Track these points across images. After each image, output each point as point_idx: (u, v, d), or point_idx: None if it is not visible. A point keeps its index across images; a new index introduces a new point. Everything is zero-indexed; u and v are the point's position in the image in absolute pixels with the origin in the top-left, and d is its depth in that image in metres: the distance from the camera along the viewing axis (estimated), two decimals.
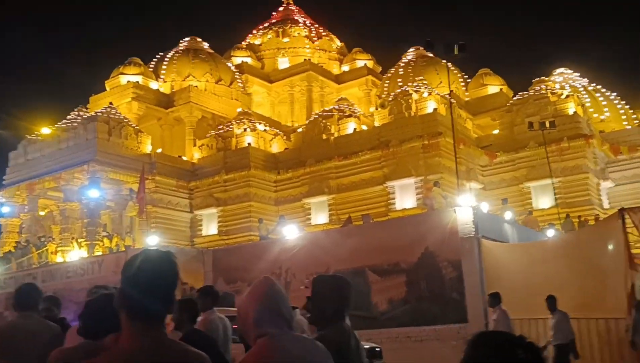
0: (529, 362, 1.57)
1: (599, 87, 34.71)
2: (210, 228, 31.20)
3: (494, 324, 9.23)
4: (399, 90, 30.46)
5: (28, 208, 30.33)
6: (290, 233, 15.24)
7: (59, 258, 27.48)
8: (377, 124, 30.10)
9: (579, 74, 35.89)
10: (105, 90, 36.38)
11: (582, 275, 10.20)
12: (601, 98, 33.95)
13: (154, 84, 35.80)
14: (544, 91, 30.10)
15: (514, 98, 31.54)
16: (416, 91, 29.23)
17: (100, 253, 23.63)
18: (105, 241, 28.22)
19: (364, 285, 13.23)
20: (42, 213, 31.94)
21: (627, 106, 34.13)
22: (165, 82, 36.47)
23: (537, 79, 32.07)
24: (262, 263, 14.79)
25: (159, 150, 31.61)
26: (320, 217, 29.64)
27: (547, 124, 23.14)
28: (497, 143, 30.22)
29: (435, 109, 28.01)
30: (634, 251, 9.90)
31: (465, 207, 12.10)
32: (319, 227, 28.99)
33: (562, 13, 79.19)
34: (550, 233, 17.72)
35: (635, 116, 33.47)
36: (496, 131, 31.06)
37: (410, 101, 28.77)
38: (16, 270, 22.01)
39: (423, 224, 12.97)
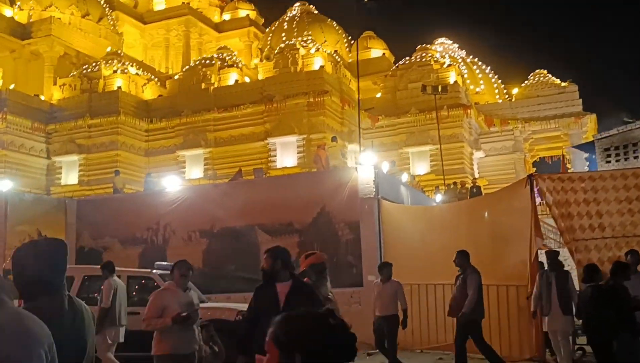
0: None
1: (475, 59, 35.81)
2: (70, 176, 28.32)
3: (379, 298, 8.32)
4: (285, 44, 29.16)
5: None
6: (172, 184, 13.70)
7: None
8: (260, 77, 28.76)
9: (457, 45, 36.80)
10: None
11: (483, 241, 9.89)
12: (477, 71, 35.07)
13: (7, 11, 31.47)
14: (427, 59, 30.34)
15: (399, 64, 31.50)
16: (303, 47, 28.19)
17: None
18: None
19: (253, 245, 12.17)
20: None
21: (500, 81, 35.60)
22: (21, 10, 32.21)
23: (421, 46, 32.28)
24: (137, 217, 13.19)
25: (12, 86, 27.90)
26: (195, 171, 27.96)
27: (439, 89, 23.19)
28: (379, 107, 30.13)
29: (322, 67, 27.19)
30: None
31: (367, 166, 11.36)
32: (194, 182, 27.36)
33: None
34: (439, 198, 17.75)
35: (506, 90, 34.99)
36: (379, 95, 30.95)
37: (297, 55, 27.70)
38: None
39: (321, 183, 12.08)
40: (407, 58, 31.61)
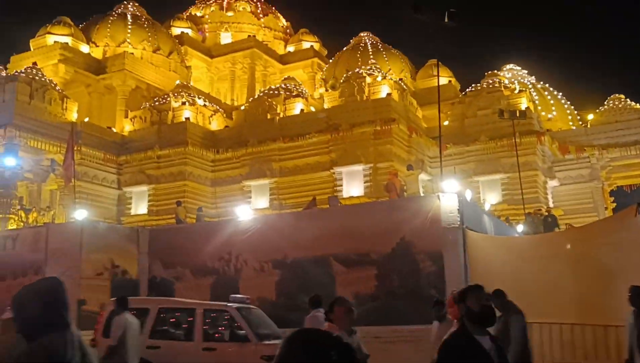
0: None
1: (546, 85, 34.61)
2: (139, 206, 28.76)
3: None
4: (351, 72, 28.96)
5: None
6: (244, 213, 13.46)
7: None
8: (326, 106, 28.61)
9: (527, 72, 35.72)
10: (29, 50, 32.99)
11: (583, 275, 9.06)
12: (549, 97, 33.84)
13: (84, 48, 32.76)
14: (497, 85, 29.49)
15: (467, 90, 30.76)
16: (369, 74, 27.91)
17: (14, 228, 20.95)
18: (22, 214, 25.45)
19: (327, 276, 11.67)
20: None
21: (572, 107, 34.20)
22: (97, 46, 33.47)
23: (489, 72, 31.46)
24: (209, 246, 12.95)
25: (87, 119, 28.79)
26: (260, 201, 27.87)
27: (517, 113, 22.36)
28: (446, 135, 29.32)
29: (389, 94, 26.79)
30: None
31: (450, 194, 10.75)
32: (260, 212, 27.24)
33: (513, 12, 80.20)
34: (520, 228, 16.83)
35: (579, 117, 33.54)
36: (446, 123, 30.19)
37: (363, 84, 27.44)
38: None
39: (400, 211, 11.51)
40: (475, 85, 30.84)
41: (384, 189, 16.84)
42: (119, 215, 28.69)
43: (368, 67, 29.00)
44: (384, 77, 27.84)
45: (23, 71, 27.55)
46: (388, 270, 11.10)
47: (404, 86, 29.77)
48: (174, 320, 9.14)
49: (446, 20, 14.01)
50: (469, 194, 14.56)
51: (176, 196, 27.66)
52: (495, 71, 32.23)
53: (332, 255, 11.69)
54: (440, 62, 38.57)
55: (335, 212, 13.61)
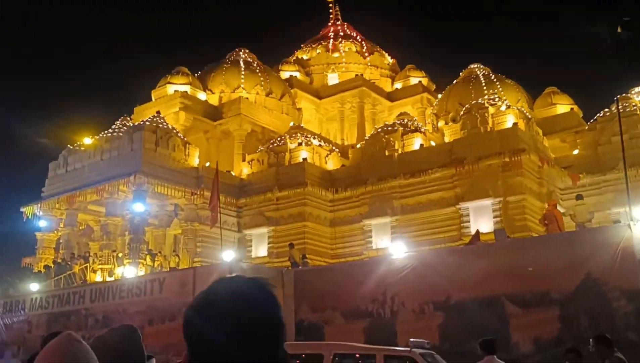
0: None
1: None
2: (259, 249, 28.69)
3: None
4: (473, 103, 27.81)
5: (67, 222, 28.16)
6: (398, 250, 12.61)
7: (98, 277, 25.25)
8: (447, 140, 27.57)
9: None
10: (149, 101, 34.50)
11: None
12: None
13: (201, 95, 33.82)
14: (631, 108, 27.30)
15: (597, 116, 28.72)
16: (492, 105, 26.66)
17: (161, 270, 21.20)
18: (148, 259, 26.00)
19: (499, 319, 10.54)
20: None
21: None
22: (213, 93, 34.46)
23: (621, 95, 29.21)
24: (361, 287, 12.18)
25: (207, 164, 29.33)
26: (381, 240, 26.94)
27: None
28: (577, 165, 27.42)
29: (515, 124, 25.37)
30: None
31: None
32: (381, 251, 26.36)
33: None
34: None
35: None
36: (576, 152, 28.25)
37: (486, 114, 26.22)
38: (60, 288, 19.64)
39: (581, 244, 10.27)
40: (604, 110, 28.77)
41: (541, 222, 15.46)
42: (239, 258, 28.70)
43: (490, 97, 27.77)
44: (508, 107, 26.47)
45: (147, 120, 28.61)
46: (574, 311, 9.81)
47: (529, 115, 28.21)
48: None
49: (619, 30, 12.71)
50: None
51: (296, 237, 27.37)
52: (627, 95, 29.94)
53: (504, 295, 10.57)
54: (558, 90, 36.97)
55: (504, 247, 12.43)
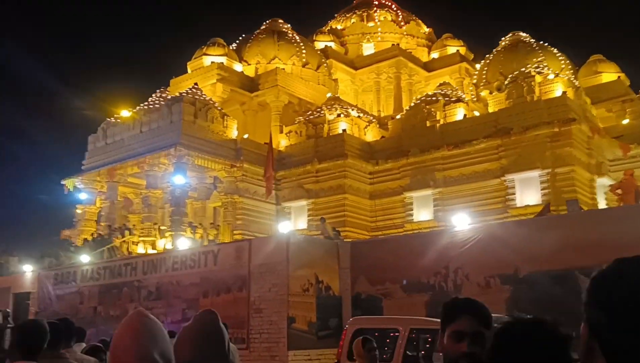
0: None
1: None
2: (298, 221, 28.47)
3: None
4: (518, 71, 26.93)
5: (107, 195, 28.27)
6: (461, 222, 12.21)
7: (139, 249, 25.35)
8: (490, 110, 26.83)
9: None
10: (184, 73, 34.24)
11: None
12: None
13: (237, 66, 33.42)
14: None
15: None
16: (539, 73, 25.78)
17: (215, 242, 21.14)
18: (189, 231, 25.99)
19: (573, 294, 10.06)
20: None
21: None
22: (249, 64, 34.03)
23: None
24: (422, 260, 11.83)
25: (246, 136, 29.09)
26: (423, 213, 26.53)
27: None
28: (627, 135, 26.51)
29: (564, 93, 24.52)
30: None
31: None
32: (423, 224, 25.95)
33: None
34: None
35: None
36: (626, 121, 27.29)
37: (532, 83, 25.38)
38: (111, 260, 19.70)
39: None
40: None
41: (613, 190, 14.83)
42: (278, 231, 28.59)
43: (536, 65, 26.85)
44: (556, 75, 25.58)
45: (185, 91, 28.37)
46: None
47: (577, 83, 27.27)
48: (429, 343, 8.02)
49: None
50: None
51: (336, 210, 27.10)
52: None
53: (578, 269, 10.09)
54: (604, 58, 35.70)
55: (579, 219, 11.92)
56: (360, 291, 12.68)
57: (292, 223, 28.69)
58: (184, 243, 20.06)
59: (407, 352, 7.96)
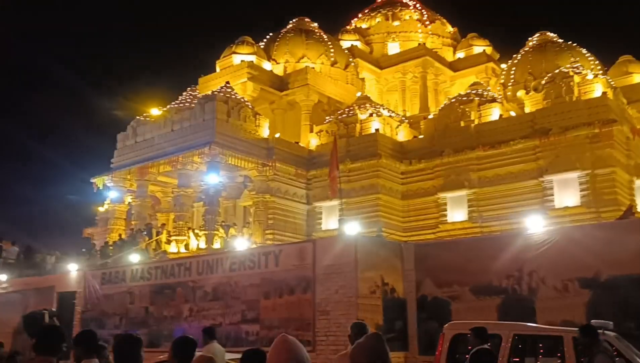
0: None
1: None
2: (329, 222, 28.30)
3: None
4: (557, 71, 26.66)
5: (138, 193, 28.16)
6: (535, 225, 12.01)
7: (172, 248, 25.24)
8: (527, 110, 26.60)
9: None
10: (211, 72, 34.12)
11: None
12: None
13: (266, 65, 33.27)
14: None
15: None
16: (577, 73, 25.51)
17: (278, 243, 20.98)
18: (221, 231, 25.89)
19: None
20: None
21: None
22: (277, 63, 33.87)
23: None
24: (493, 262, 11.63)
25: (277, 135, 28.93)
26: (457, 214, 26.32)
27: None
28: None
29: (604, 93, 24.25)
30: None
31: None
32: (457, 225, 25.73)
33: None
34: None
35: None
36: None
37: (571, 83, 25.11)
38: (163, 260, 19.57)
39: None
40: None
41: None
42: (309, 231, 28.43)
43: (573, 65, 26.58)
44: (595, 76, 25.31)
45: (218, 90, 28.22)
46: None
47: (613, 84, 27.00)
48: (534, 350, 7.84)
49: None
50: None
51: (368, 209, 26.91)
52: None
53: None
54: (634, 58, 35.37)
55: None
56: (426, 294, 12.49)
57: (323, 223, 28.56)
58: (242, 244, 19.87)
59: (511, 359, 7.77)
